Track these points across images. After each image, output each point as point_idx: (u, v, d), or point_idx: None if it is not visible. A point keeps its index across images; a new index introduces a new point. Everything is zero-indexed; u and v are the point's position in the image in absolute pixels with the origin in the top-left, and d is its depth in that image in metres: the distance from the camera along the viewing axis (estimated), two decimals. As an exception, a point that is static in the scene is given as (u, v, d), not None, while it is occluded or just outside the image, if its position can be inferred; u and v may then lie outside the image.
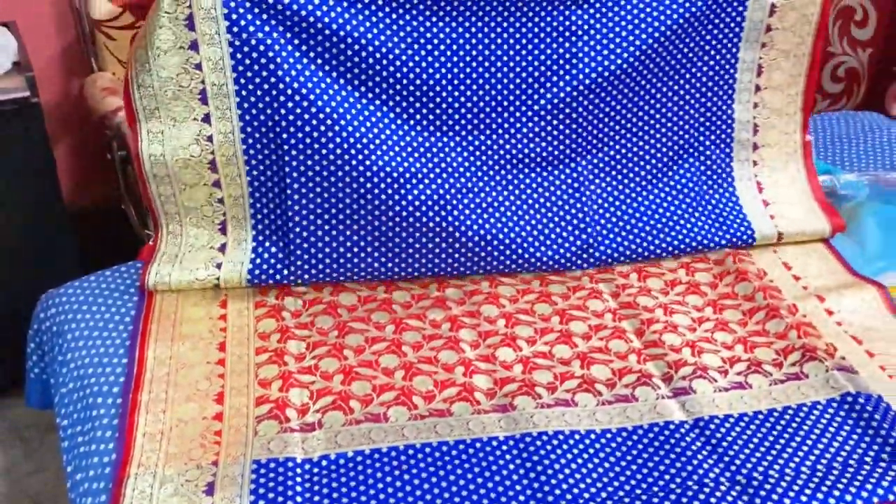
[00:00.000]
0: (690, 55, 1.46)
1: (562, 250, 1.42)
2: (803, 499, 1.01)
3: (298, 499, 1.01)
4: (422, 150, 1.36)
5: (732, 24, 1.46)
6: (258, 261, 1.36)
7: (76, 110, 2.24)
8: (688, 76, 1.48)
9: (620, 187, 1.49)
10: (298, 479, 1.04)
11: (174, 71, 1.27)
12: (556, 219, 1.44)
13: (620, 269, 1.45)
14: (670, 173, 1.52)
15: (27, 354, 1.42)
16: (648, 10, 1.40)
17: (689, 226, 1.49)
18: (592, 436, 1.12)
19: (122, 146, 2.16)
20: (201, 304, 1.33)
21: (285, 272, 1.36)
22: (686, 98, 1.49)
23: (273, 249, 1.37)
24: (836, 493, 1.02)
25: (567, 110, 1.40)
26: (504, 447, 1.09)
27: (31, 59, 1.98)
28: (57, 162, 2.01)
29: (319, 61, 1.29)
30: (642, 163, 1.50)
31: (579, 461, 1.07)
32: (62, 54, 2.24)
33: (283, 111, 1.28)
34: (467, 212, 1.37)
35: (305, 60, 1.29)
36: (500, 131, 1.40)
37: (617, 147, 1.48)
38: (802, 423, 1.14)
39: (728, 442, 1.11)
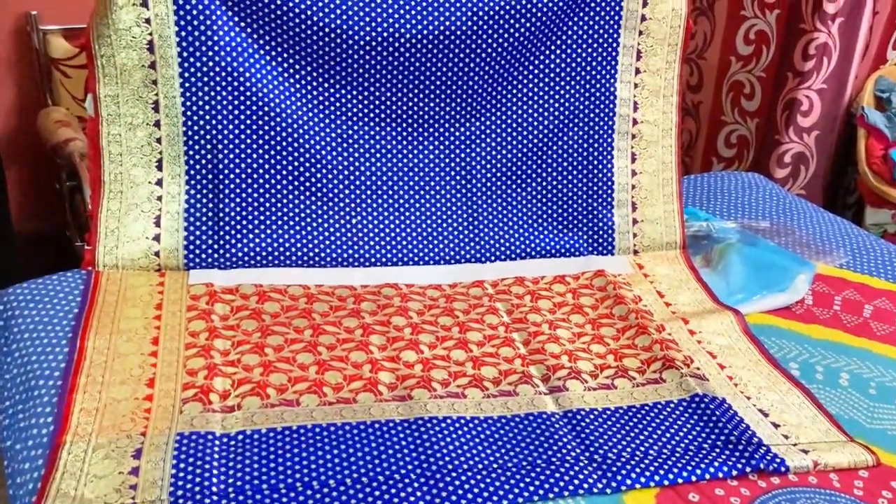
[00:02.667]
0: (575, 37, 1.73)
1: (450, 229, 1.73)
2: (647, 474, 1.20)
3: (215, 464, 1.16)
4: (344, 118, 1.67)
5: (612, 12, 1.73)
6: (191, 217, 1.61)
7: (29, 142, 2.39)
8: (574, 56, 1.74)
9: (505, 152, 1.76)
10: (217, 450, 1.19)
11: (127, 24, 1.50)
12: (445, 192, 1.74)
13: (517, 291, 1.65)
14: (556, 140, 1.77)
15: (-27, 350, 1.54)
16: None
17: (566, 199, 1.79)
18: (476, 421, 1.30)
19: (71, 176, 2.31)
20: (139, 306, 1.48)
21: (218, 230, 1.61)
22: (573, 75, 1.75)
23: (205, 200, 1.61)
24: (676, 470, 1.21)
25: (460, 74, 1.67)
26: (399, 428, 1.26)
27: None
28: (8, 189, 2.15)
29: (252, 30, 1.57)
30: (531, 128, 1.75)
31: (462, 441, 1.25)
32: (20, 90, 2.40)
33: (216, 60, 1.55)
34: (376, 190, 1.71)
35: (242, 26, 1.55)
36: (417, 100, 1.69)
37: (509, 113, 1.74)
38: (655, 418, 1.34)
39: (591, 429, 1.30)
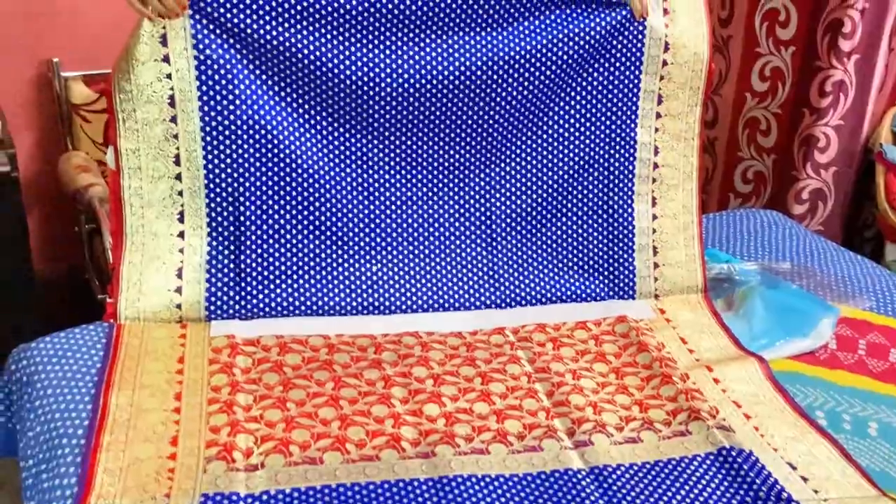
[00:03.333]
0: (596, 83, 1.73)
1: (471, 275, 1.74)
2: (677, 533, 1.18)
3: (240, 526, 1.15)
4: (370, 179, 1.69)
5: (633, 58, 1.72)
6: (213, 269, 1.61)
7: (50, 185, 2.41)
8: (594, 101, 1.75)
9: (525, 197, 1.77)
10: (241, 511, 1.18)
11: (149, 79, 1.51)
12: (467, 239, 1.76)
13: (538, 338, 1.64)
14: (577, 185, 1.78)
15: (-6, 405, 1.54)
16: (555, 33, 1.66)
17: (587, 244, 1.79)
18: (501, 479, 1.28)
19: (90, 220, 2.33)
20: (161, 360, 1.48)
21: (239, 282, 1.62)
22: (593, 120, 1.76)
23: (226, 252, 1.62)
24: (705, 528, 1.19)
25: (482, 123, 1.68)
26: (424, 487, 1.25)
27: (13, 137, 2.16)
28: (29, 232, 2.16)
29: (274, 82, 1.58)
30: (550, 173, 1.76)
31: (489, 499, 1.24)
32: (41, 134, 2.42)
33: (238, 114, 1.57)
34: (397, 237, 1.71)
35: (263, 79, 1.57)
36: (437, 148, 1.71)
37: (529, 159, 1.75)
38: (683, 472, 1.32)
39: (618, 486, 1.28)
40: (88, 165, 2.27)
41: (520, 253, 1.77)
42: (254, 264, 1.61)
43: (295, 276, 1.64)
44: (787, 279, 1.88)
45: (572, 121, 1.75)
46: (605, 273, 1.80)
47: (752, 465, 1.32)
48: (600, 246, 1.80)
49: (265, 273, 1.62)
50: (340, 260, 1.67)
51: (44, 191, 2.45)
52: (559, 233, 1.79)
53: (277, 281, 1.63)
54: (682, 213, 1.82)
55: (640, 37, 1.72)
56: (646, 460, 1.35)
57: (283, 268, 1.63)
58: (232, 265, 1.60)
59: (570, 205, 1.79)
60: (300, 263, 1.64)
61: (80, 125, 2.38)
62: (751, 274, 1.90)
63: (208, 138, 1.57)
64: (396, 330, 1.64)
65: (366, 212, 1.68)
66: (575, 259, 1.80)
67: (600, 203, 1.79)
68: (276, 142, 1.59)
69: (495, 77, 1.65)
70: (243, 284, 1.60)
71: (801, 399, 1.53)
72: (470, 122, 1.68)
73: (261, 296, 1.61)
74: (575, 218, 1.80)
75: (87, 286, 2.36)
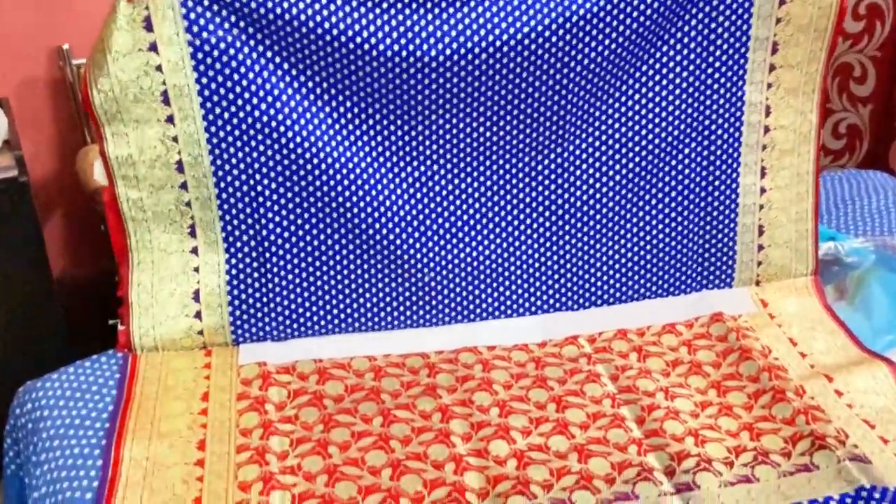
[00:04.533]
0: (693, 33, 1.42)
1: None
2: None
3: None
4: (393, 168, 1.40)
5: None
6: (236, 282, 1.38)
7: (68, 184, 2.23)
8: (691, 58, 1.44)
9: (600, 175, 1.48)
10: None
11: (133, 74, 1.26)
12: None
13: (619, 348, 1.40)
14: (667, 157, 1.48)
15: (4, 451, 1.36)
16: None
17: (677, 229, 1.50)
18: (590, 540, 1.05)
19: (113, 219, 2.15)
20: (182, 398, 1.28)
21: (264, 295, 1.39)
22: (690, 80, 1.45)
23: (249, 269, 1.38)
24: None
25: (552, 95, 1.39)
26: (497, 556, 1.03)
27: (27, 132, 1.98)
28: (48, 234, 2.00)
29: (289, 66, 1.31)
30: (636, 147, 1.46)
31: (576, 570, 1.01)
32: (57, 129, 2.24)
33: (248, 108, 1.30)
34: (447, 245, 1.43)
35: (275, 62, 1.30)
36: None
37: (609, 132, 1.45)
38: (814, 521, 1.07)
39: (735, 545, 1.04)
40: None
41: (593, 243, 1.50)
42: (282, 280, 1.38)
43: (328, 287, 1.41)
44: (909, 257, 1.60)
45: (664, 81, 1.44)
46: (699, 261, 1.53)
47: (900, 510, 1.07)
48: (694, 229, 1.52)
49: (296, 289, 1.39)
50: (380, 266, 1.42)
51: (62, 190, 2.27)
52: (644, 216, 1.50)
53: (311, 296, 1.40)
54: (796, 183, 1.52)
55: None
56: (765, 506, 1.10)
57: (315, 280, 1.39)
58: (257, 283, 1.38)
59: (659, 182, 1.50)
60: (333, 273, 1.40)
61: (96, 117, 2.19)
62: (864, 253, 1.61)
63: (214, 140, 1.32)
64: (452, 345, 1.41)
65: (405, 209, 1.42)
66: (661, 245, 1.52)
67: (696, 178, 1.50)
68: (295, 137, 1.33)
69: (567, 37, 1.34)
70: (272, 305, 1.38)
71: (946, 412, 1.26)
72: (535, 94, 1.38)
73: (294, 315, 1.39)
74: (663, 196, 1.50)
75: (114, 290, 2.19)
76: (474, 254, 1.45)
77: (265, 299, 1.38)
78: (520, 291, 1.48)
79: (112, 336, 1.46)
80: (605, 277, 1.51)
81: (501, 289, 1.47)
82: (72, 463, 1.18)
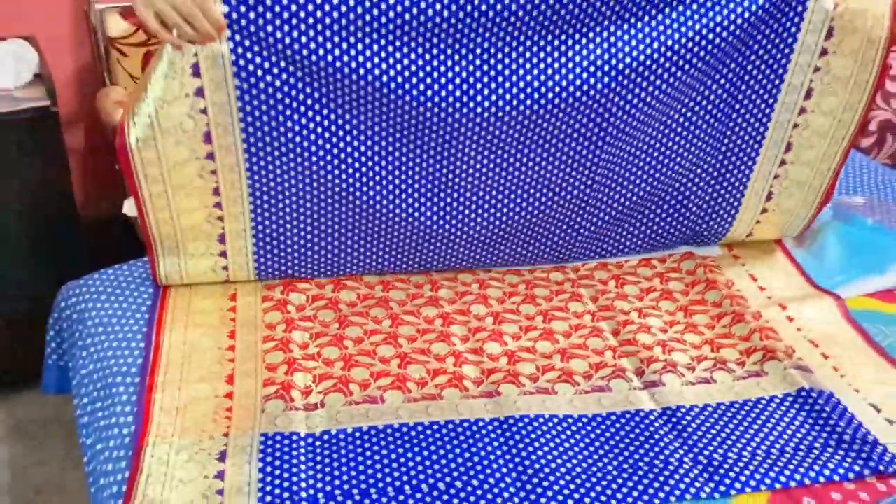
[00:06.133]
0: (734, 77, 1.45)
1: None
2: (757, 476, 1.12)
3: (302, 466, 1.11)
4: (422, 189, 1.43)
5: (782, 46, 1.42)
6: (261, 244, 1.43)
7: (89, 122, 2.36)
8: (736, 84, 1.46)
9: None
10: (302, 451, 1.14)
11: (177, 119, 1.26)
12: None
13: (600, 276, 1.57)
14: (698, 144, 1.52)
15: (46, 342, 1.51)
16: (687, 28, 1.36)
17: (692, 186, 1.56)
18: (570, 420, 1.23)
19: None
20: (212, 298, 1.43)
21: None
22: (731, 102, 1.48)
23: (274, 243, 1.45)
24: (787, 472, 1.13)
25: (592, 138, 1.42)
26: (489, 427, 1.20)
27: (52, 68, 2.10)
28: (72, 164, 2.11)
29: (325, 99, 1.30)
30: (677, 148, 1.50)
31: (557, 441, 1.18)
32: (77, 69, 2.36)
33: (292, 153, 1.33)
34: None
35: (314, 97, 1.30)
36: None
37: (646, 138, 1.47)
38: (760, 414, 1.25)
39: (693, 428, 1.22)
40: (127, 101, 2.21)
41: (609, 210, 1.55)
42: (299, 238, 1.45)
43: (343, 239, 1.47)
44: (861, 214, 1.78)
45: (701, 111, 1.48)
46: (697, 228, 1.63)
47: (833, 407, 1.25)
48: (705, 189, 1.58)
49: (314, 248, 1.47)
50: (395, 240, 1.48)
51: (82, 130, 2.40)
52: (659, 185, 1.55)
53: (328, 251, 1.48)
54: (820, 162, 1.55)
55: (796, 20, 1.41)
56: (720, 401, 1.28)
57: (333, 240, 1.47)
58: (277, 240, 1.45)
59: (679, 158, 1.53)
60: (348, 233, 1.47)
61: (117, 59, 2.31)
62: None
63: (255, 168, 1.34)
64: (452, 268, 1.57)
65: (409, 211, 1.45)
66: (670, 211, 1.60)
67: (717, 155, 1.55)
68: (337, 177, 1.37)
69: (614, 86, 1.36)
70: (292, 248, 1.46)
71: (881, 339, 1.44)
72: (575, 136, 1.41)
73: (310, 263, 1.49)
74: (684, 162, 1.53)
75: (133, 225, 2.33)
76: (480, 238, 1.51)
77: (284, 245, 1.45)
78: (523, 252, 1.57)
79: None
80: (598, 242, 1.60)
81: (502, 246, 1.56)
82: (116, 346, 1.33)
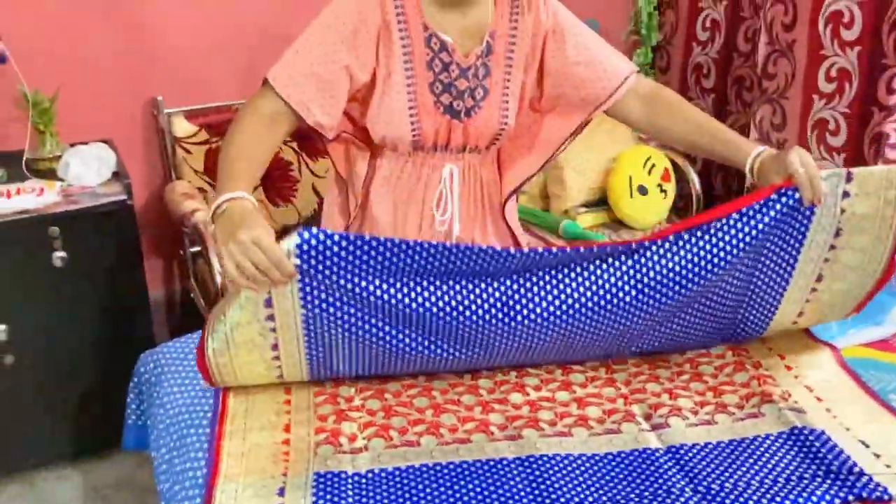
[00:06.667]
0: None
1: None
2: (751, 502, 1.26)
3: (350, 500, 1.29)
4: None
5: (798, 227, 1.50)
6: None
7: (157, 214, 2.63)
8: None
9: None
10: (350, 487, 1.32)
11: (250, 335, 1.41)
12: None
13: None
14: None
15: (126, 404, 1.73)
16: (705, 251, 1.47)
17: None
18: (584, 457, 1.39)
19: (193, 243, 2.53)
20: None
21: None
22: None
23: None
24: (778, 499, 1.27)
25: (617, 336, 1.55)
26: (513, 465, 1.37)
27: (126, 168, 2.37)
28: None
29: (378, 321, 1.43)
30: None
31: (572, 476, 1.34)
32: (148, 166, 2.65)
33: (344, 351, 1.48)
34: None
35: (368, 313, 1.42)
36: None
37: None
38: (756, 450, 1.40)
39: (694, 462, 1.37)
40: (192, 193, 2.47)
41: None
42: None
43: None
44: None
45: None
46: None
47: (823, 443, 1.39)
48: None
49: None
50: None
51: (150, 220, 2.66)
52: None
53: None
54: (872, 246, 1.55)
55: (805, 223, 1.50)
56: (720, 440, 1.43)
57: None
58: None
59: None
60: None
61: (182, 157, 2.59)
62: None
63: (314, 364, 1.50)
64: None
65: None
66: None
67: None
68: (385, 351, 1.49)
69: (639, 296, 1.47)
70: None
71: (874, 384, 1.58)
72: (602, 334, 1.53)
73: None
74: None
75: (193, 306, 2.57)
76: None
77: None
78: None
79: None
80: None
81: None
82: (189, 402, 1.54)
